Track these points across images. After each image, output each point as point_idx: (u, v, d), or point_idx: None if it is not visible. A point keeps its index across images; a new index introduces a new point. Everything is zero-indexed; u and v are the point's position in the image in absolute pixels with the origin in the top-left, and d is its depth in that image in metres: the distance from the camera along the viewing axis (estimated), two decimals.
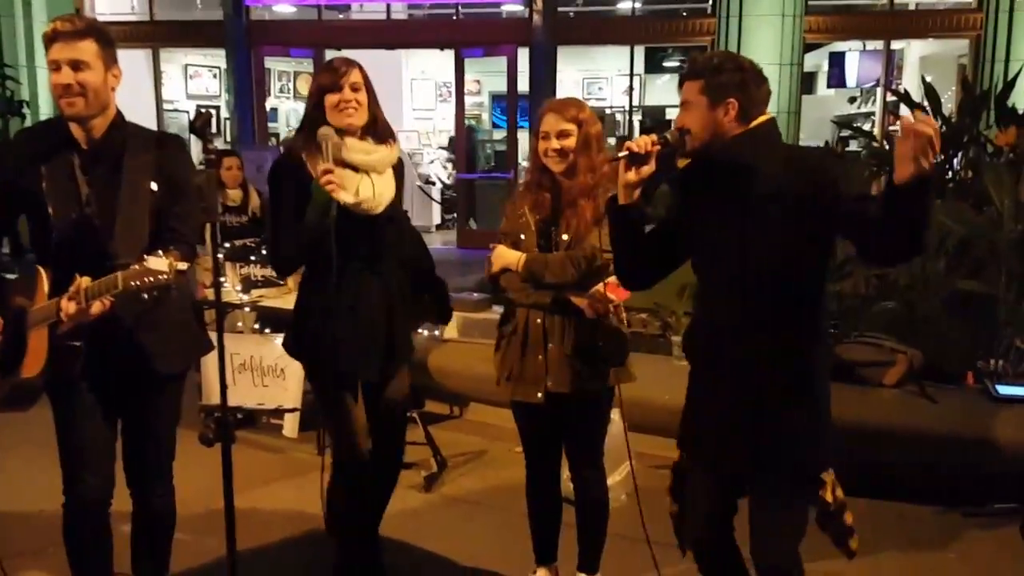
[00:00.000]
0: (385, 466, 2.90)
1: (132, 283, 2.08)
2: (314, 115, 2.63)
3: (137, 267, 2.07)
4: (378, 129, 2.71)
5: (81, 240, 2.31)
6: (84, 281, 2.16)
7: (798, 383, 2.13)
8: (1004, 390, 3.90)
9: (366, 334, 2.69)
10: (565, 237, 2.66)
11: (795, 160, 2.16)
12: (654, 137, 2.16)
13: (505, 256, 2.72)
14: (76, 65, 2.27)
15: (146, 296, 2.11)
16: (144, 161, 2.38)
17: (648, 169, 2.17)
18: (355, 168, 2.62)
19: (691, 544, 2.38)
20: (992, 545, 3.42)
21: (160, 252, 2.10)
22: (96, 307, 2.17)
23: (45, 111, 11.04)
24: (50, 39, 2.28)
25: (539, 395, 2.70)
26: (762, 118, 2.15)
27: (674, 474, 2.41)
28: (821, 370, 2.18)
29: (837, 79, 12.22)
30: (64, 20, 2.29)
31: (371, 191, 2.64)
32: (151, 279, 2.07)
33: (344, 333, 2.65)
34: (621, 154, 2.17)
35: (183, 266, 2.13)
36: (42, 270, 2.34)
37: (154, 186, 2.37)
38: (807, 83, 11.73)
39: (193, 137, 2.32)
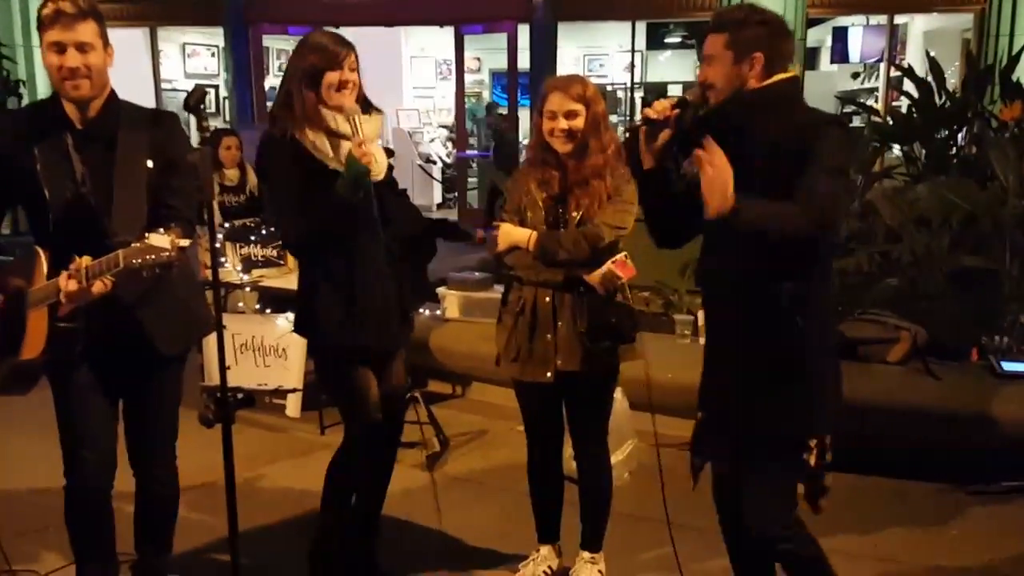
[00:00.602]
0: (387, 445, 2.89)
1: (134, 261, 2.05)
2: (309, 94, 2.53)
3: (139, 245, 2.05)
4: (364, 103, 2.68)
5: (78, 220, 2.29)
6: (84, 260, 2.13)
7: (788, 353, 2.10)
8: (1008, 366, 3.89)
9: (383, 305, 2.67)
10: (575, 215, 2.64)
11: (802, 120, 2.10)
12: (673, 99, 2.15)
13: (513, 234, 2.68)
14: (81, 47, 2.25)
15: (147, 274, 2.09)
16: (139, 138, 2.36)
17: (668, 133, 2.16)
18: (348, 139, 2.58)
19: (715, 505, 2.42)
20: (995, 523, 3.42)
21: (161, 229, 2.08)
22: (98, 286, 2.14)
23: (43, 91, 10.96)
24: (52, 19, 2.23)
25: (548, 375, 2.68)
26: (781, 75, 2.11)
27: (695, 430, 2.42)
28: (817, 341, 2.13)
29: (840, 54, 12.10)
30: (64, 0, 2.24)
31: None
32: (153, 256, 2.04)
33: (364, 305, 2.62)
34: (638, 120, 2.16)
35: (185, 243, 2.11)
36: (40, 251, 2.31)
37: (150, 164, 2.35)
38: (810, 58, 11.62)
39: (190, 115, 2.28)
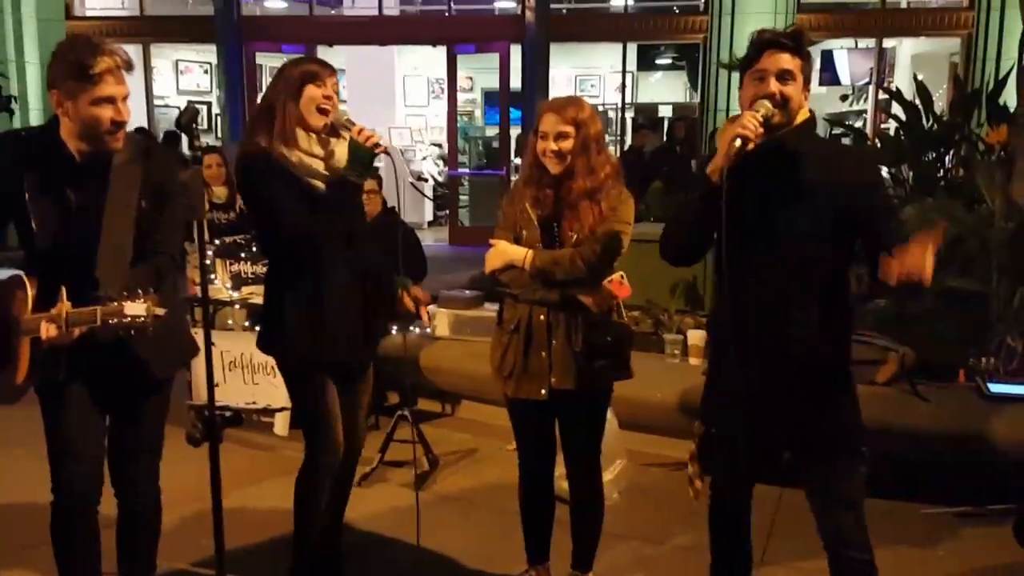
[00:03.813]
0: (350, 458, 2.91)
1: (110, 321, 2.11)
2: (292, 108, 2.57)
3: (116, 306, 2.10)
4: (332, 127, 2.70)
5: (65, 253, 2.29)
6: (65, 307, 2.15)
7: (839, 370, 2.25)
8: (996, 388, 3.90)
9: (349, 322, 2.70)
10: (572, 234, 2.62)
11: (838, 154, 2.29)
12: (758, 116, 2.12)
13: (509, 252, 2.66)
14: (126, 99, 2.27)
15: (122, 333, 2.15)
16: (132, 173, 2.35)
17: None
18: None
19: (711, 516, 2.47)
20: (984, 543, 3.42)
21: (140, 292, 2.11)
22: (76, 332, 2.17)
23: (34, 106, 10.97)
24: (107, 73, 2.20)
25: (543, 392, 2.67)
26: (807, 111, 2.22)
27: (699, 442, 2.46)
28: (851, 359, 2.30)
29: (829, 77, 12.23)
30: (113, 54, 2.21)
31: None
32: (128, 320, 2.10)
33: (331, 321, 2.65)
34: (737, 142, 2.08)
35: (160, 311, 2.13)
36: (26, 278, 2.30)
37: (143, 202, 2.34)
38: None
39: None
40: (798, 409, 2.22)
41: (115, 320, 2.10)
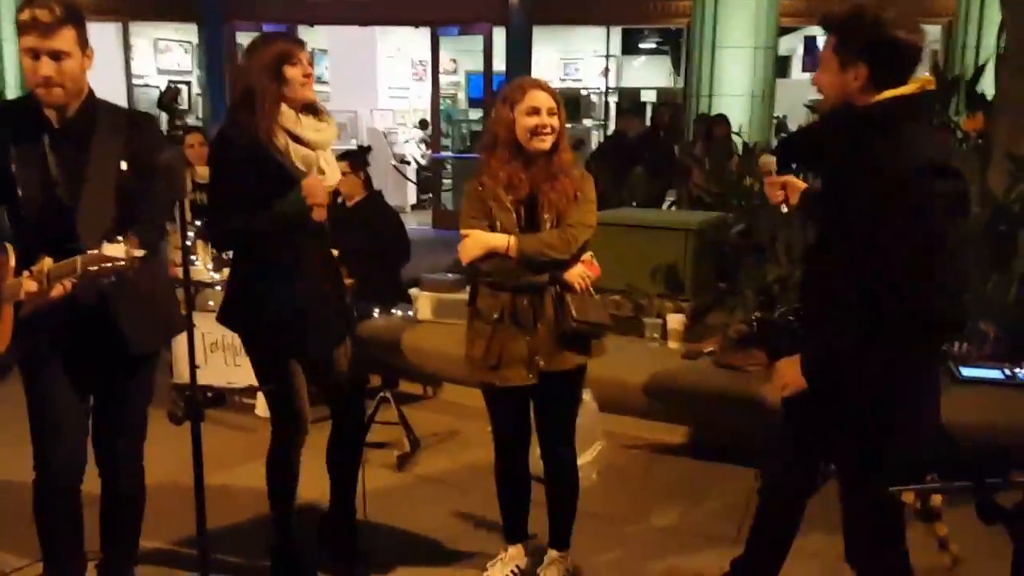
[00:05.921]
0: (350, 440, 2.96)
1: (90, 268, 2.08)
2: (273, 88, 2.56)
3: (95, 253, 2.08)
4: (316, 106, 2.71)
5: (48, 220, 2.30)
6: (47, 263, 2.15)
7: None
8: (968, 372, 3.97)
9: (324, 305, 2.73)
10: (548, 216, 2.65)
11: (890, 164, 1.85)
12: (774, 180, 2.22)
13: (488, 240, 2.64)
14: (56, 55, 2.23)
15: (105, 281, 2.13)
16: (115, 140, 2.35)
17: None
18: (310, 146, 2.64)
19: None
20: (948, 521, 3.49)
21: (119, 238, 2.09)
22: (57, 290, 2.17)
23: (11, 82, 10.79)
24: (28, 26, 2.21)
25: (531, 376, 2.68)
26: (889, 93, 1.86)
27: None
28: None
29: (812, 63, 12.29)
30: (42, 7, 2.21)
31: (328, 168, 2.69)
32: (109, 265, 2.08)
33: (308, 305, 2.67)
34: (784, 208, 2.21)
35: (139, 252, 2.12)
36: (9, 247, 2.31)
37: (124, 166, 2.35)
38: (781, 67, 11.77)
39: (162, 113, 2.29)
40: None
41: (95, 267, 2.07)
